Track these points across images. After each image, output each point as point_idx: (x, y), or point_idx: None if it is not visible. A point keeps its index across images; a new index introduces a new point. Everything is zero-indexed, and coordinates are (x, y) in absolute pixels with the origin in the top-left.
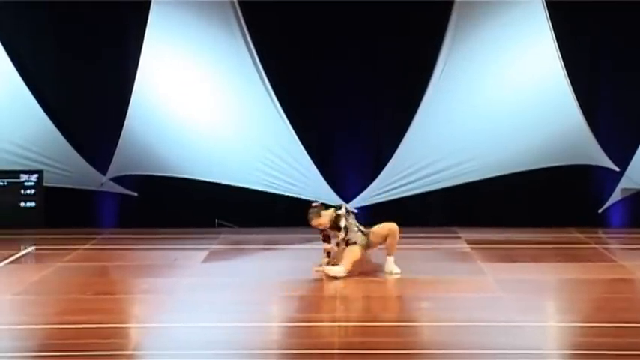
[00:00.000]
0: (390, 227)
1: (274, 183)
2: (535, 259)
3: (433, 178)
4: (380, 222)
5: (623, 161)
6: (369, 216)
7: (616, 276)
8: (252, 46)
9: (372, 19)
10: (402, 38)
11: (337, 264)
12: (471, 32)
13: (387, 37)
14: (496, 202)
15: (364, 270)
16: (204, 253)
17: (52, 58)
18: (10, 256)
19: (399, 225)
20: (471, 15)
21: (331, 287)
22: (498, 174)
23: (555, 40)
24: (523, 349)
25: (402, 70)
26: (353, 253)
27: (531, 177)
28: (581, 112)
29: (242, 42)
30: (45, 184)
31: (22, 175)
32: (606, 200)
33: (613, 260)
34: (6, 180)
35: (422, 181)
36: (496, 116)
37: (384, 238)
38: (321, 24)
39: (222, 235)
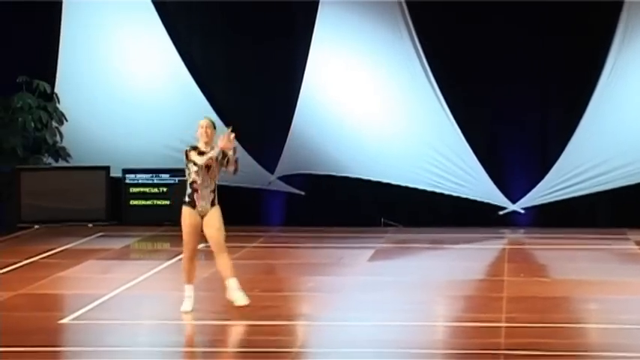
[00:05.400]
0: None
1: (440, 182)
2: None
3: (601, 178)
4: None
5: None
6: (537, 216)
7: None
8: (418, 46)
9: (540, 19)
10: (571, 37)
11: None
12: None
13: (556, 37)
14: None
15: (528, 271)
16: (370, 252)
17: (221, 58)
18: (179, 253)
19: (566, 226)
20: None
21: (497, 288)
22: None
23: None
24: None
25: (570, 69)
26: None
27: None
28: None
29: (409, 41)
30: None
31: None
32: None
33: None
34: (177, 178)
35: (590, 182)
36: None
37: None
38: (488, 23)
39: (387, 234)
